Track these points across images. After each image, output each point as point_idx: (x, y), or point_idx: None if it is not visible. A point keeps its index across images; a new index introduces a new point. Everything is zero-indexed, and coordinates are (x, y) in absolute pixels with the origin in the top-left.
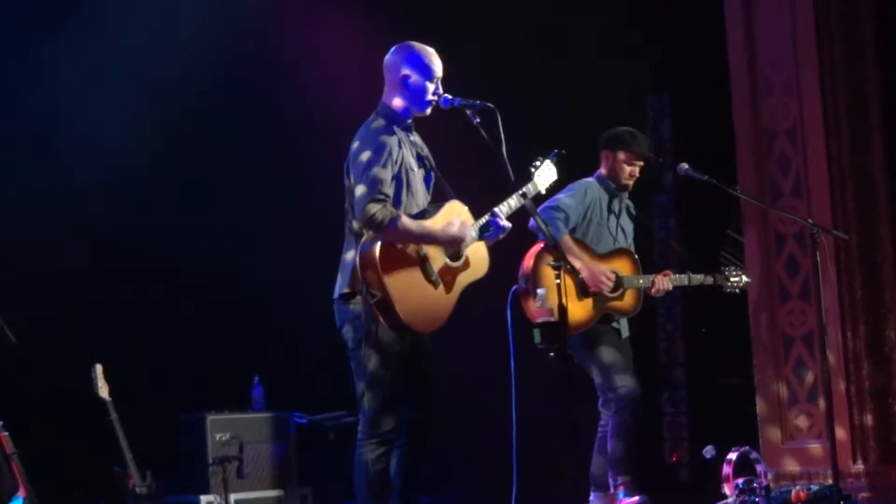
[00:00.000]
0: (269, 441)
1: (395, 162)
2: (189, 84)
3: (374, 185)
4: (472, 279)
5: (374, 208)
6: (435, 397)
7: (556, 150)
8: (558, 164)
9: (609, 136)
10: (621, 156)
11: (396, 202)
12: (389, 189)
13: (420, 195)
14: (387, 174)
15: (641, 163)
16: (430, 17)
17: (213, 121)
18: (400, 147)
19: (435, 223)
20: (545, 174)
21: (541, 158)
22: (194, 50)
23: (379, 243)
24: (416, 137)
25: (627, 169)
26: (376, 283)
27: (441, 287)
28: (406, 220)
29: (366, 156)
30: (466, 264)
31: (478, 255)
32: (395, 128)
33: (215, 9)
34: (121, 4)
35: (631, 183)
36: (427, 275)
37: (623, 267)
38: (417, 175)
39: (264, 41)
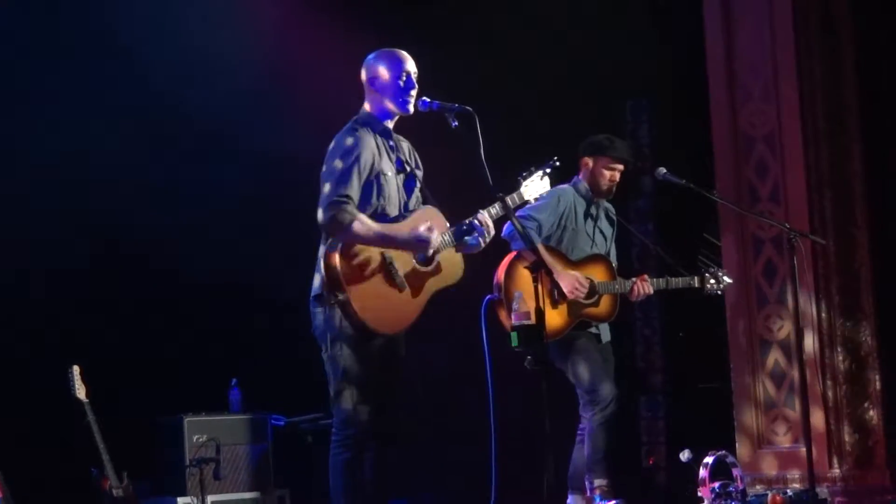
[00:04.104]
0: (247, 443)
1: (364, 166)
2: (181, 85)
3: (335, 188)
4: (444, 284)
5: (331, 210)
6: (408, 400)
7: (550, 160)
8: (551, 175)
9: (587, 143)
10: (600, 161)
11: (365, 206)
12: (352, 192)
13: (395, 200)
14: (350, 177)
15: (621, 167)
16: (408, 21)
17: (197, 122)
18: (373, 151)
19: (401, 227)
20: (535, 184)
21: (532, 168)
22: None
23: (340, 245)
24: (400, 142)
25: (607, 174)
26: (337, 285)
27: (407, 291)
28: (363, 223)
29: (332, 159)
30: (437, 269)
31: (451, 260)
32: (369, 132)
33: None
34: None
35: (612, 188)
36: (391, 278)
37: (598, 273)
38: (392, 180)
39: (258, 47)
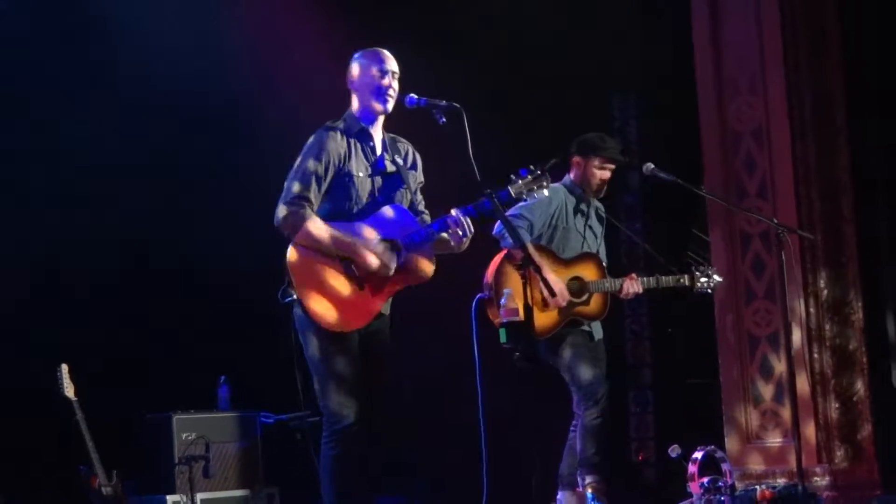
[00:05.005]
0: (236, 440)
1: (327, 167)
2: (168, 86)
3: (294, 189)
4: (410, 283)
5: (287, 210)
6: (396, 396)
7: (553, 160)
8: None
9: (579, 143)
10: (593, 162)
11: (332, 206)
12: (311, 194)
13: (365, 201)
14: (310, 179)
15: (612, 167)
16: (396, 17)
17: (185, 121)
18: (339, 153)
19: (369, 232)
20: (529, 182)
21: (532, 167)
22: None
23: (290, 246)
24: (396, 143)
25: (598, 174)
26: (291, 285)
27: (367, 288)
28: (316, 227)
29: (298, 160)
30: (403, 267)
31: (420, 258)
32: (341, 134)
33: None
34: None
35: (603, 187)
36: (349, 275)
37: (588, 271)
38: (365, 181)
39: (248, 48)
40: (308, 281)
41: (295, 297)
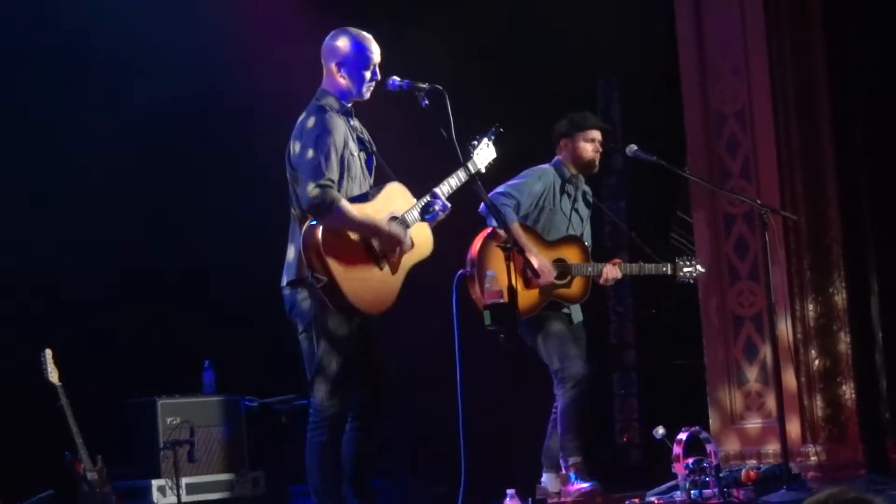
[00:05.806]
0: (221, 425)
1: (338, 148)
2: (155, 82)
3: (318, 170)
4: (418, 259)
5: (318, 193)
6: (388, 381)
7: (493, 128)
8: (497, 142)
9: (561, 125)
10: (578, 137)
11: (338, 186)
12: (334, 175)
13: (360, 179)
14: (330, 160)
15: (600, 136)
16: (382, 2)
17: (186, 121)
18: (343, 132)
19: (376, 211)
20: (483, 153)
21: (478, 137)
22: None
23: (320, 227)
24: (356, 121)
25: (589, 147)
26: (320, 267)
27: (386, 268)
28: (348, 207)
29: (306, 142)
30: (411, 245)
31: (422, 235)
32: (337, 113)
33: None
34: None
35: (597, 158)
36: (371, 256)
37: (572, 254)
38: (357, 159)
39: (248, 47)
40: (342, 265)
41: (326, 280)
